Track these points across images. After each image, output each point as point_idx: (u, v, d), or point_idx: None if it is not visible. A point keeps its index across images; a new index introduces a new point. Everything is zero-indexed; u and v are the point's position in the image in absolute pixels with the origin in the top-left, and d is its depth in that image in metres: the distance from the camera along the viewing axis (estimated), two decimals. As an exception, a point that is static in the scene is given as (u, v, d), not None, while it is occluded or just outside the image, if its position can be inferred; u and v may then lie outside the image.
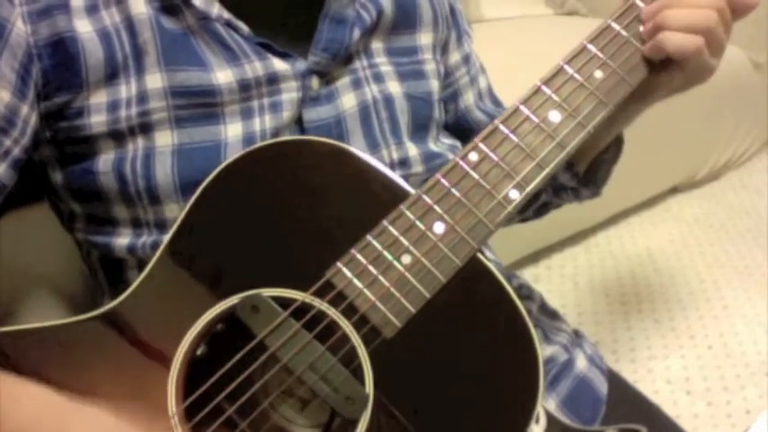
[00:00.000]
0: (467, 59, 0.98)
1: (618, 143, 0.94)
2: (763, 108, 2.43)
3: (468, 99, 0.98)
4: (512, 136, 0.71)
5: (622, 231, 2.19)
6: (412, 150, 0.86)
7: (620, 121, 0.86)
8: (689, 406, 1.61)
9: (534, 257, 2.03)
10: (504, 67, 1.25)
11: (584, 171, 0.94)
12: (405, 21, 0.88)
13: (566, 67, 0.73)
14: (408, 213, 0.68)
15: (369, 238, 0.67)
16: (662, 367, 1.71)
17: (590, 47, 0.74)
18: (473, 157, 0.70)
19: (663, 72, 0.78)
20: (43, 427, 0.58)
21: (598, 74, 0.74)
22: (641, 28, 0.76)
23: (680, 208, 2.32)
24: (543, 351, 0.91)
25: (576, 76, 0.73)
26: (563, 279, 1.99)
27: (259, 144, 0.72)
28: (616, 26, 0.75)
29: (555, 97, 0.72)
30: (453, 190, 0.69)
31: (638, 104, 0.83)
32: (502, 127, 0.71)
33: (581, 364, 0.92)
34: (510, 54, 1.80)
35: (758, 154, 2.57)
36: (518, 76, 1.22)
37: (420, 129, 0.88)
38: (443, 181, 0.69)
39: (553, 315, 1.00)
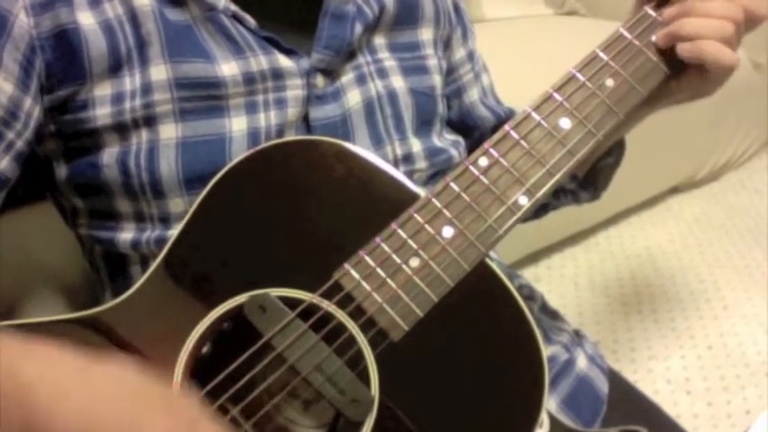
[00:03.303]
0: (471, 56, 0.98)
1: (620, 148, 0.94)
2: (763, 108, 2.43)
3: (473, 95, 0.98)
4: (522, 142, 0.71)
5: (622, 231, 2.19)
6: (416, 146, 0.86)
7: (621, 126, 0.86)
8: (689, 406, 1.61)
9: (534, 257, 2.03)
10: (504, 67, 1.25)
11: (585, 175, 0.94)
12: (407, 16, 0.89)
13: (577, 74, 0.74)
14: (417, 217, 0.68)
15: (377, 240, 0.67)
16: (662, 367, 1.71)
17: (602, 55, 0.74)
18: (483, 162, 0.70)
19: (673, 82, 0.78)
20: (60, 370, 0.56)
21: (609, 82, 0.74)
22: (653, 38, 0.76)
23: (680, 208, 2.32)
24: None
25: (588, 83, 0.73)
26: (563, 279, 1.99)
27: (266, 144, 0.72)
28: (627, 35, 0.76)
29: (566, 104, 0.72)
30: (463, 194, 0.69)
31: (641, 111, 0.83)
32: (512, 132, 0.71)
33: (582, 363, 0.92)
34: (510, 54, 1.80)
35: (758, 154, 2.57)
36: (518, 76, 1.22)
37: (424, 124, 0.88)
38: (453, 185, 0.69)
39: (554, 315, 1.00)
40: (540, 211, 1.02)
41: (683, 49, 0.76)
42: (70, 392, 0.51)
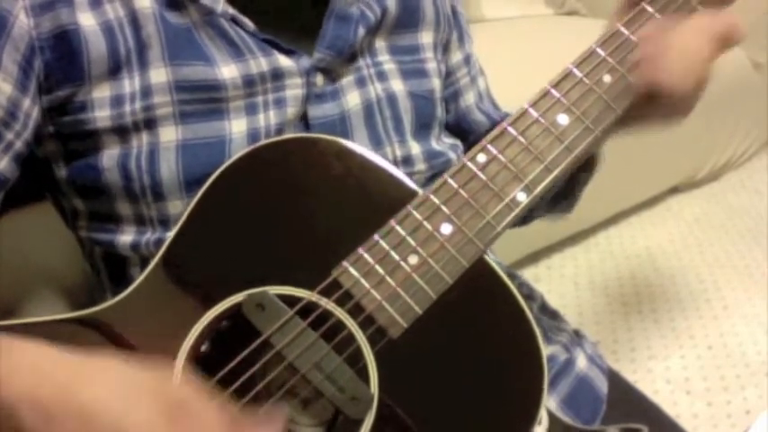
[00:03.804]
0: (468, 60, 0.98)
1: (592, 163, 0.93)
2: (763, 108, 2.43)
3: (469, 99, 0.98)
4: (520, 138, 0.71)
5: (622, 231, 2.19)
6: (415, 149, 0.86)
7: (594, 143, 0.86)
8: (689, 406, 1.61)
9: (534, 257, 2.03)
10: (504, 67, 1.25)
11: (555, 193, 0.93)
12: (408, 19, 0.88)
13: (575, 70, 0.73)
14: (416, 214, 0.68)
15: (376, 237, 0.67)
16: (662, 367, 1.71)
17: (599, 51, 0.74)
18: (481, 158, 0.70)
19: (646, 105, 0.76)
20: (48, 386, 0.57)
21: (607, 78, 0.74)
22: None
23: (680, 208, 2.32)
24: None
25: (585, 79, 0.73)
26: (563, 279, 2.00)
27: (264, 141, 0.72)
28: (625, 31, 0.75)
29: (563, 100, 0.72)
30: (461, 191, 0.69)
31: (617, 129, 0.82)
32: (510, 129, 0.71)
33: (581, 363, 0.92)
34: (510, 54, 1.80)
35: (758, 154, 2.57)
36: (518, 76, 1.22)
37: (423, 127, 0.88)
38: (451, 182, 0.69)
39: (553, 315, 1.00)
40: (526, 218, 1.01)
41: (638, 75, 0.74)
42: (54, 415, 0.53)
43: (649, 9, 0.76)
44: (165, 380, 0.59)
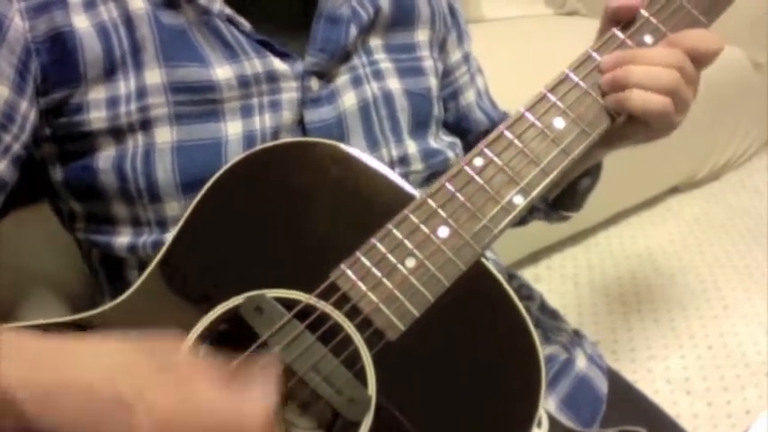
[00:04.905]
0: (467, 58, 0.98)
1: (596, 170, 0.93)
2: (763, 108, 2.43)
3: (470, 97, 0.98)
4: (516, 141, 0.71)
5: (622, 231, 2.20)
6: (411, 148, 0.86)
7: (578, 165, 0.85)
8: (689, 406, 1.61)
9: (534, 257, 2.03)
10: (504, 67, 1.25)
11: (556, 197, 0.94)
12: (402, 17, 0.88)
13: (570, 74, 0.74)
14: (413, 217, 0.68)
15: (373, 240, 0.67)
16: (662, 367, 1.71)
17: (595, 55, 0.75)
18: (478, 162, 0.70)
19: (628, 125, 0.76)
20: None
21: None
22: (647, 39, 0.76)
23: (680, 208, 2.32)
24: (543, 350, 0.91)
25: (581, 83, 0.73)
26: (563, 279, 2.00)
27: (262, 146, 0.72)
28: (620, 35, 0.76)
29: (559, 104, 0.72)
30: (458, 194, 0.69)
31: (602, 149, 0.82)
32: (507, 133, 0.71)
33: (581, 363, 0.92)
34: (510, 54, 1.80)
35: (758, 154, 2.57)
36: (518, 76, 1.22)
37: (420, 126, 0.88)
38: (448, 185, 0.69)
39: (553, 315, 1.00)
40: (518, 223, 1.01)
41: (609, 101, 0.73)
42: (53, 396, 0.53)
43: (644, 14, 0.77)
44: (156, 344, 0.59)
